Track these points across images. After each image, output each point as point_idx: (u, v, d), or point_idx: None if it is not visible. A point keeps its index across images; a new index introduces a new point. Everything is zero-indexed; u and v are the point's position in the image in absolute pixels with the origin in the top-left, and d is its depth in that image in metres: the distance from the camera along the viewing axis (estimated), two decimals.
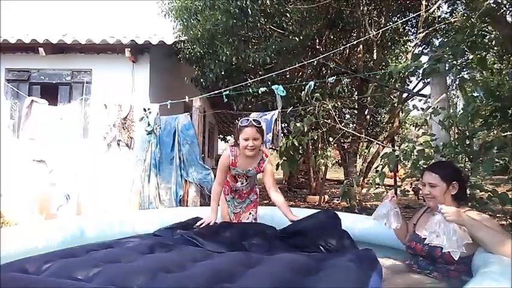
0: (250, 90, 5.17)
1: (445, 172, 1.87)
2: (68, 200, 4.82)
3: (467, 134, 2.25)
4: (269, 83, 4.06)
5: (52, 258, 1.50)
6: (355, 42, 5.86)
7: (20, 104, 5.56)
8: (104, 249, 1.70)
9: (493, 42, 3.46)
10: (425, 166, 2.24)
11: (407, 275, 1.82)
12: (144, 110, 4.78)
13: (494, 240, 1.58)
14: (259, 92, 4.13)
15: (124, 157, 5.03)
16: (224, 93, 4.24)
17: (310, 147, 8.18)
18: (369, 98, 6.14)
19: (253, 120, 2.34)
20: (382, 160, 2.62)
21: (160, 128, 4.73)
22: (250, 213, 2.64)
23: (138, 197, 4.68)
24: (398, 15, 6.97)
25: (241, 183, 2.55)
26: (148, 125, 4.70)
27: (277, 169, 3.71)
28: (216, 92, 4.44)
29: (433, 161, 2.42)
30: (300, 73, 7.50)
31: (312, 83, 3.50)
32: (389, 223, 1.98)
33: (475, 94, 2.29)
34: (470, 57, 2.64)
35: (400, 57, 8.14)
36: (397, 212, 2.00)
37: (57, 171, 5.02)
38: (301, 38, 5.37)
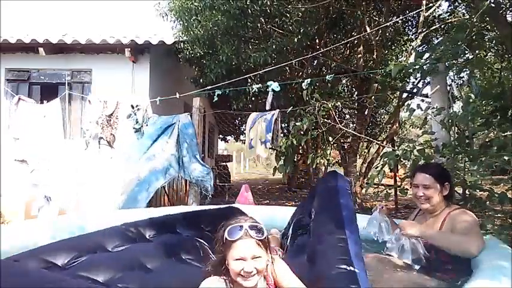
0: (247, 89, 5.17)
1: (438, 173, 1.88)
2: (48, 201, 4.63)
3: (467, 134, 2.25)
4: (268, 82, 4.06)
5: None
6: (353, 40, 5.86)
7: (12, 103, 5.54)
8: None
9: (493, 42, 3.46)
10: None
11: (405, 273, 1.82)
12: (132, 107, 4.61)
13: (456, 247, 1.65)
14: (255, 90, 4.11)
15: (106, 155, 4.90)
16: (216, 92, 4.21)
17: (311, 146, 8.18)
18: (369, 98, 6.13)
19: (251, 226, 1.37)
20: (382, 159, 2.62)
21: (147, 125, 4.58)
22: None
23: (125, 197, 4.56)
24: (398, 15, 6.96)
25: None
26: (136, 122, 4.55)
27: (274, 174, 3.73)
28: (209, 88, 4.40)
29: (433, 161, 2.42)
30: (300, 73, 7.51)
31: (309, 80, 3.51)
32: (381, 236, 1.99)
33: (472, 95, 2.28)
34: (470, 56, 2.64)
35: (400, 57, 8.14)
36: (386, 222, 2.01)
37: (38, 172, 4.87)
38: (301, 37, 5.37)
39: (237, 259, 1.31)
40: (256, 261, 1.31)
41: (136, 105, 4.60)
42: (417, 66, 2.54)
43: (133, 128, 4.56)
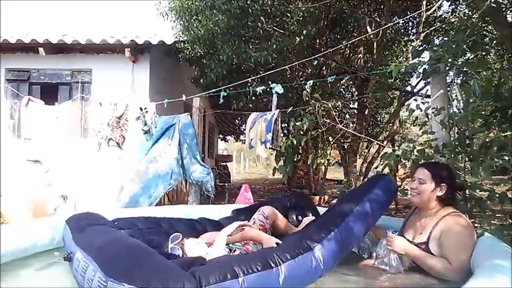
0: (248, 89, 5.17)
1: (437, 172, 1.89)
2: (65, 200, 4.71)
3: (467, 134, 2.24)
4: (269, 82, 4.04)
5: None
6: (354, 41, 5.85)
7: (20, 104, 5.57)
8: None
9: (494, 42, 3.46)
10: None
11: (404, 274, 1.82)
12: (141, 109, 4.63)
13: (436, 274, 1.70)
14: (258, 91, 4.10)
15: (116, 156, 4.94)
16: (221, 93, 4.20)
17: (311, 147, 8.17)
18: (369, 98, 6.13)
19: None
20: (382, 160, 2.62)
21: (155, 127, 4.64)
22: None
23: (127, 199, 4.54)
24: (399, 15, 6.96)
25: None
26: (145, 124, 4.57)
27: (273, 174, 3.73)
28: (214, 90, 4.41)
29: (432, 160, 2.42)
30: (301, 73, 7.50)
31: (311, 81, 3.50)
32: (363, 251, 2.07)
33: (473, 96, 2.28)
34: (471, 57, 2.64)
35: (400, 57, 8.13)
36: (369, 237, 2.08)
37: (53, 172, 4.95)
38: (302, 37, 5.37)
39: None
40: None
41: (145, 108, 4.62)
42: (418, 67, 2.54)
43: (142, 129, 4.59)
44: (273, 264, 1.49)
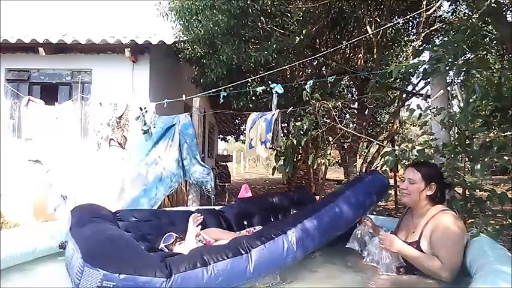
0: (248, 89, 5.16)
1: (426, 172, 1.90)
2: (65, 200, 4.72)
3: (467, 134, 2.24)
4: (269, 82, 4.05)
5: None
6: (354, 41, 5.84)
7: (20, 104, 5.57)
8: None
9: (494, 42, 3.46)
10: None
11: (396, 272, 1.82)
12: (141, 109, 4.59)
13: (428, 272, 1.70)
14: (258, 91, 4.10)
15: (118, 156, 4.97)
16: (222, 94, 4.19)
17: (311, 147, 8.17)
18: (369, 98, 6.13)
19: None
20: (382, 159, 2.62)
21: (155, 127, 4.63)
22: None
23: (128, 200, 4.52)
24: (399, 15, 6.96)
25: None
26: (145, 124, 4.55)
27: (273, 174, 3.73)
28: (214, 90, 4.41)
29: (433, 160, 2.42)
30: (301, 73, 7.50)
31: (311, 81, 3.50)
32: (364, 250, 2.02)
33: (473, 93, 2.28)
34: (471, 56, 2.64)
35: (400, 57, 8.13)
36: (372, 235, 2.07)
37: (54, 172, 4.96)
38: (302, 37, 5.36)
39: None
40: None
41: (145, 107, 4.61)
42: (418, 67, 2.54)
43: (142, 129, 4.57)
44: (242, 251, 1.59)
